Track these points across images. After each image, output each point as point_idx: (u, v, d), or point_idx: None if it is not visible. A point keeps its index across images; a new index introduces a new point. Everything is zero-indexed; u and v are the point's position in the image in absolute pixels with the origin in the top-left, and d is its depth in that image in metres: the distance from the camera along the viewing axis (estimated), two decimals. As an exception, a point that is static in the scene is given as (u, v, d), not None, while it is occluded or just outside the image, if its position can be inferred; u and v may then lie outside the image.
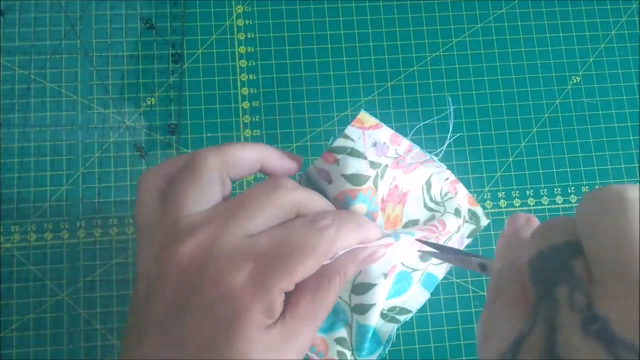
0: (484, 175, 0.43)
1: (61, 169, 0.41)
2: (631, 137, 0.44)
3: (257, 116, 0.43)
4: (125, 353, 0.24)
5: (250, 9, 0.44)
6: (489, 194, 0.43)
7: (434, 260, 0.33)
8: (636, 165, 0.44)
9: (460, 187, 0.34)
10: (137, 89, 0.43)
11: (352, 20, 0.45)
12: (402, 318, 0.32)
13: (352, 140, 0.29)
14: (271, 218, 0.25)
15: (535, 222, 0.24)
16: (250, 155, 0.28)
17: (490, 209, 0.42)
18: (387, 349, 0.31)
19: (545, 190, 0.43)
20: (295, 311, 0.25)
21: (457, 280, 0.41)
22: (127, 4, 0.44)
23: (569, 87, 0.45)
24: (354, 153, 0.29)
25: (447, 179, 0.33)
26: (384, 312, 0.32)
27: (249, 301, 0.23)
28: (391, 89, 0.44)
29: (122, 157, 0.41)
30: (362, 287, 0.30)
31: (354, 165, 0.29)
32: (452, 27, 0.45)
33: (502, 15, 0.46)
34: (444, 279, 0.41)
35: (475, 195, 0.42)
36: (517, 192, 0.43)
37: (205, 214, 0.25)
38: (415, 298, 0.33)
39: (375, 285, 0.29)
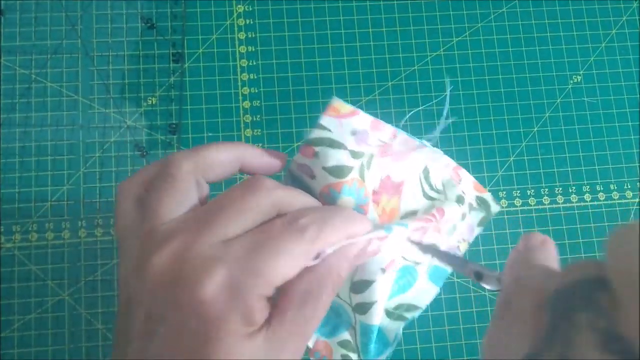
0: (485, 174, 0.43)
1: (62, 168, 0.41)
2: (632, 137, 0.44)
3: (258, 116, 0.43)
4: None
5: (250, 9, 0.44)
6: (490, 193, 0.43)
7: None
8: (637, 164, 0.44)
9: (464, 173, 0.32)
10: (138, 88, 0.43)
11: (352, 19, 0.45)
12: (410, 315, 0.31)
13: (329, 130, 0.27)
14: (248, 221, 0.24)
15: (551, 245, 0.24)
16: (227, 157, 0.27)
17: (491, 208, 0.42)
18: (394, 348, 0.30)
19: (547, 189, 0.43)
20: (283, 317, 0.24)
21: (458, 280, 0.41)
22: (128, 4, 0.44)
23: (570, 86, 0.45)
24: (333, 144, 0.27)
25: (447, 165, 0.32)
26: (390, 310, 0.30)
27: (223, 310, 0.22)
28: (392, 88, 0.44)
29: (123, 157, 0.42)
30: (360, 285, 0.28)
31: (334, 157, 0.27)
32: (452, 26, 0.45)
33: (503, 15, 0.46)
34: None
35: (476, 194, 0.42)
36: (518, 191, 0.43)
37: (180, 221, 0.24)
38: (424, 294, 0.31)
39: (373, 281, 0.28)
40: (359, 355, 0.30)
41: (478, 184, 0.32)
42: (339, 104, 0.28)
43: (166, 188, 0.25)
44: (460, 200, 0.31)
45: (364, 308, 0.29)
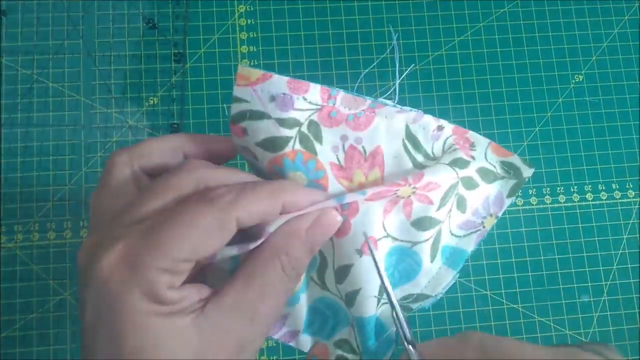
0: (487, 174, 0.43)
1: (64, 168, 0.41)
2: (634, 136, 0.44)
3: (260, 115, 0.43)
4: None
5: (252, 9, 0.44)
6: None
7: (453, 228, 0.28)
8: (638, 163, 0.44)
9: (475, 136, 0.28)
10: (140, 88, 0.43)
11: (354, 19, 0.45)
12: (416, 306, 0.28)
13: (246, 101, 0.24)
14: (167, 199, 0.23)
15: None
16: (165, 146, 0.26)
17: (493, 208, 0.42)
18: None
19: (548, 189, 0.43)
20: (220, 301, 0.22)
21: (460, 280, 0.41)
22: (130, 4, 0.44)
23: (572, 85, 0.45)
24: (254, 115, 0.24)
25: (441, 126, 0.27)
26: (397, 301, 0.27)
27: (121, 284, 0.21)
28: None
29: (125, 157, 0.42)
30: (341, 272, 0.26)
31: (261, 129, 0.24)
32: (454, 26, 0.45)
33: (505, 14, 0.46)
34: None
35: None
36: (520, 191, 0.43)
37: (113, 210, 0.24)
38: (438, 280, 0.27)
39: (351, 265, 0.25)
40: (360, 356, 0.27)
41: (500, 147, 0.28)
42: (245, 71, 0.24)
43: (103, 183, 0.25)
44: (459, 164, 0.27)
45: (351, 298, 0.26)
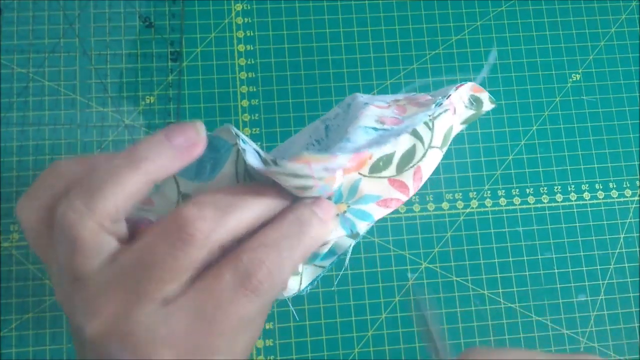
0: (484, 173, 0.43)
1: (60, 167, 0.41)
2: (631, 135, 0.44)
3: (257, 115, 0.43)
4: None
5: (249, 7, 0.44)
6: (489, 192, 0.42)
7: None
8: (636, 163, 0.44)
9: (465, 85, 0.29)
10: (136, 87, 0.43)
11: (351, 18, 0.45)
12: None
13: (300, 176, 0.23)
14: (182, 283, 0.21)
15: None
16: (130, 196, 0.22)
17: (490, 207, 0.42)
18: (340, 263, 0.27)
19: (545, 188, 0.43)
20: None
21: (457, 279, 0.41)
22: (126, 3, 0.44)
23: (569, 85, 0.45)
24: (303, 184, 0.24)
25: (446, 96, 0.27)
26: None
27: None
28: (390, 87, 0.44)
29: (121, 156, 0.41)
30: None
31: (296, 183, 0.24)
32: (451, 24, 0.45)
33: (502, 13, 0.46)
34: (443, 277, 0.41)
35: (475, 193, 0.42)
36: (517, 190, 0.43)
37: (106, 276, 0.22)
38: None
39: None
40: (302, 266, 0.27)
41: (479, 87, 0.29)
42: (310, 157, 0.23)
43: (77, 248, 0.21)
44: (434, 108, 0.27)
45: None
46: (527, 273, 0.41)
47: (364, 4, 0.45)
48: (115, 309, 0.20)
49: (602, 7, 0.46)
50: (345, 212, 0.26)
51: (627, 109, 0.45)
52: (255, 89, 0.43)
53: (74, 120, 0.42)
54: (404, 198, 0.26)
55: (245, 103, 0.43)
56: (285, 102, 0.43)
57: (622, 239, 0.42)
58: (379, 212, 0.26)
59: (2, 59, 0.42)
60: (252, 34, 0.44)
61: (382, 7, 0.45)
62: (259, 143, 0.42)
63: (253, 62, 0.43)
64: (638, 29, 0.46)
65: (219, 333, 0.20)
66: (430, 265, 0.41)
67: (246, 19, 0.44)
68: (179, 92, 0.43)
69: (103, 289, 0.20)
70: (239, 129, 0.43)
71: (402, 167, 0.27)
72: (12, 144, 0.41)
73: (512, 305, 0.41)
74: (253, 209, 0.22)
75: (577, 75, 0.45)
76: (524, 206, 0.43)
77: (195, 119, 0.42)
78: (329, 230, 0.24)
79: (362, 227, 0.26)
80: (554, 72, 0.45)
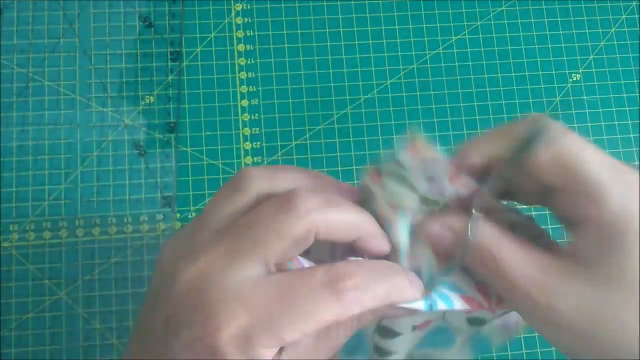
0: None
1: (60, 167, 0.41)
2: (631, 135, 0.44)
3: (256, 114, 0.43)
4: (129, 354, 0.24)
5: (249, 7, 0.44)
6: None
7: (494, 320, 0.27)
8: (636, 162, 0.44)
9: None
10: (136, 87, 0.42)
11: (351, 18, 0.45)
12: None
13: (405, 168, 0.24)
14: (278, 253, 0.22)
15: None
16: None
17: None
18: None
19: (545, 188, 0.43)
20: (294, 350, 0.22)
21: (457, 279, 0.41)
22: (126, 2, 0.44)
23: (569, 84, 0.45)
24: (403, 182, 0.24)
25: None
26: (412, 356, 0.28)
27: (228, 355, 0.20)
28: (390, 86, 0.44)
29: (121, 156, 0.41)
30: (386, 331, 0.26)
31: (399, 194, 0.24)
32: (451, 24, 0.45)
33: (502, 13, 0.46)
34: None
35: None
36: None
37: (219, 228, 0.23)
38: (454, 356, 0.28)
39: (400, 335, 0.26)
40: None
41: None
42: (422, 145, 0.24)
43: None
44: None
45: (381, 353, 0.27)
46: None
47: (364, 4, 0.45)
48: (210, 261, 0.22)
49: (602, 7, 0.46)
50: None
51: (627, 109, 0.45)
52: (255, 89, 0.43)
53: (74, 120, 0.42)
54: (485, 305, 0.26)
55: (245, 103, 0.43)
56: (285, 102, 0.43)
57: (622, 239, 0.42)
58: (459, 304, 0.26)
59: (2, 58, 0.42)
60: (252, 34, 0.44)
61: (382, 7, 0.45)
62: (258, 143, 0.42)
63: (253, 62, 0.43)
64: (638, 29, 0.46)
65: (289, 316, 0.21)
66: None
67: (246, 19, 0.44)
68: (179, 92, 0.43)
69: (211, 239, 0.22)
70: (238, 128, 0.43)
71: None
72: (12, 144, 0.41)
73: (512, 305, 0.41)
74: (352, 216, 0.24)
75: (577, 75, 0.45)
76: (524, 206, 0.42)
77: (195, 119, 0.42)
78: (414, 292, 0.24)
79: (441, 308, 0.25)
80: (554, 72, 0.45)
